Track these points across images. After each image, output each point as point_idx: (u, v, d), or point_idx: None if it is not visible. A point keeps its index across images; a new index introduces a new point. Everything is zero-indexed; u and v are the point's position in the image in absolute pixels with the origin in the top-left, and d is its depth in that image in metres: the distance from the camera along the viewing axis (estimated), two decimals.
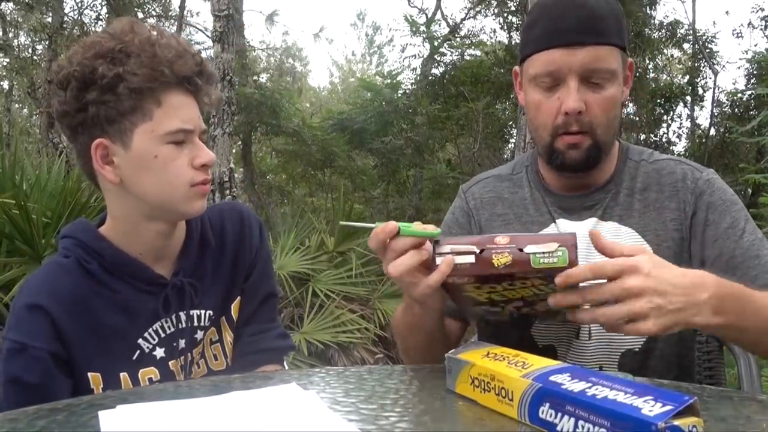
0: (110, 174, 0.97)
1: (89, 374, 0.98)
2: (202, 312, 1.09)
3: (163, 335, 1.05)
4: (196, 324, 1.08)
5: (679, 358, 1.10)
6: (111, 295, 1.01)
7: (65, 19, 10.08)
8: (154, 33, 0.97)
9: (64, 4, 10.23)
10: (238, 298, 1.15)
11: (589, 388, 0.62)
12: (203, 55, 1.05)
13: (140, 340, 1.03)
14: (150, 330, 1.04)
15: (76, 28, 10.53)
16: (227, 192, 4.52)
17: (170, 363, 1.05)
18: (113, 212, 1.03)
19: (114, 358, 1.01)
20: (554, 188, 1.15)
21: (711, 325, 0.80)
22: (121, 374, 1.02)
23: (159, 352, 1.05)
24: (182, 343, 1.07)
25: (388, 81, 8.04)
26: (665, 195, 1.08)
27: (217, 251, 1.12)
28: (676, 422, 0.55)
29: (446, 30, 10.08)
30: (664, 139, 11.85)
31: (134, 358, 1.03)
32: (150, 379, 1.03)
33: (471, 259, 0.79)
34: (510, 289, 0.83)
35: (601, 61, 1.00)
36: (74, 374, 0.98)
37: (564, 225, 1.12)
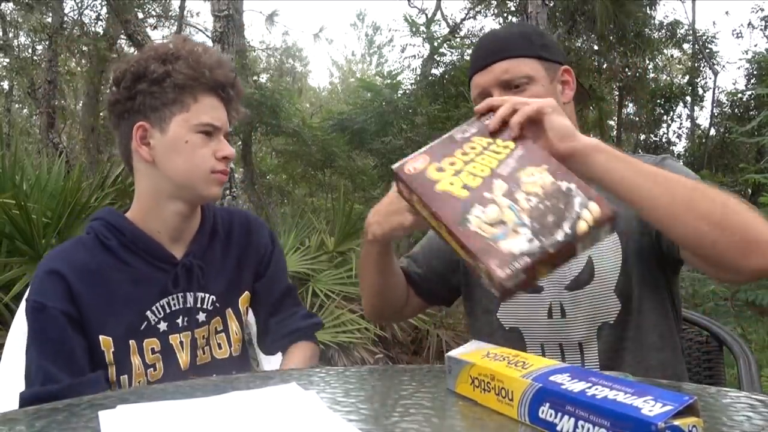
0: (145, 153, 1.12)
1: (101, 337, 1.09)
2: (207, 296, 1.19)
3: (168, 311, 1.15)
4: (199, 305, 1.18)
5: (657, 327, 1.12)
6: (126, 269, 1.12)
7: (65, 19, 10.09)
8: (200, 48, 1.16)
9: (64, 4, 10.24)
10: (246, 293, 1.26)
11: (589, 388, 0.62)
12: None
13: (148, 312, 1.13)
14: (157, 304, 1.14)
15: (76, 28, 10.54)
16: (227, 192, 4.52)
17: (170, 337, 1.15)
18: (140, 191, 1.17)
19: (124, 325, 1.11)
20: None
21: (567, 133, 0.91)
22: (130, 341, 1.11)
23: (162, 326, 1.14)
24: (184, 321, 1.16)
25: (388, 81, 8.03)
26: None
27: (225, 243, 1.25)
28: (676, 422, 0.55)
29: (446, 30, 10.09)
30: (663, 140, 11.86)
31: (141, 328, 1.12)
32: (152, 349, 1.13)
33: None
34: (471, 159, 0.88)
35: (510, 71, 1.14)
36: (87, 335, 1.08)
37: None
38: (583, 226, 0.77)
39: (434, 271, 1.29)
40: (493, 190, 0.83)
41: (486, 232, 0.78)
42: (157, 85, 1.10)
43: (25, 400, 1.04)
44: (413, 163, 0.89)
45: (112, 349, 1.10)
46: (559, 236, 0.76)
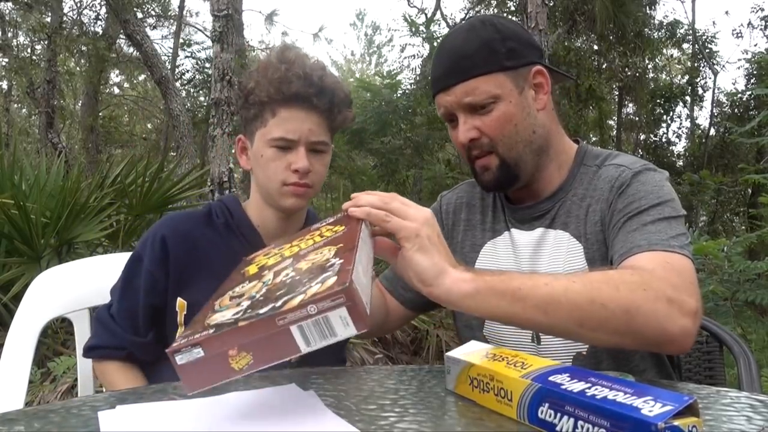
0: (244, 162, 1.25)
1: (179, 299, 1.16)
2: None
3: None
4: None
5: (633, 353, 1.08)
6: (222, 246, 1.20)
7: (64, 19, 10.08)
8: (290, 60, 1.17)
9: (63, 3, 10.22)
10: None
11: (589, 388, 0.62)
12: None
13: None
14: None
15: (75, 28, 10.53)
16: (226, 192, 4.52)
17: None
18: (251, 189, 1.28)
19: (202, 294, 1.11)
20: (512, 198, 1.19)
21: (426, 278, 0.83)
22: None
23: None
24: None
25: (388, 81, 8.03)
26: (595, 199, 1.08)
27: None
28: (676, 422, 0.55)
29: (446, 30, 10.08)
30: (663, 140, 11.87)
31: None
32: None
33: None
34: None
35: (472, 93, 1.07)
36: (168, 294, 1.17)
37: (516, 234, 1.15)
38: (294, 301, 0.61)
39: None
40: (275, 268, 0.78)
41: (222, 303, 0.73)
42: (246, 102, 1.19)
43: (102, 319, 1.19)
44: (259, 252, 0.95)
45: (185, 313, 1.16)
46: (263, 310, 0.63)
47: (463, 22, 1.18)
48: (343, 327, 0.61)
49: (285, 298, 0.63)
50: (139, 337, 1.18)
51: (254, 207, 1.25)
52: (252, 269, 0.84)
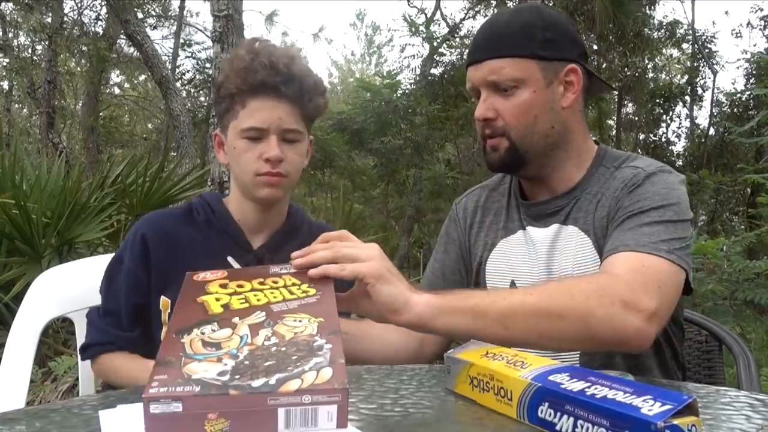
0: (222, 157, 1.25)
1: (162, 297, 1.17)
2: None
3: None
4: None
5: (633, 362, 1.07)
6: (204, 243, 1.21)
7: (65, 19, 10.08)
8: (257, 46, 1.17)
9: (64, 4, 10.23)
10: None
11: (588, 387, 0.62)
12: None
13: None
14: None
15: (76, 28, 10.53)
16: (227, 192, 4.52)
17: None
18: (232, 184, 1.28)
19: None
20: (527, 193, 1.19)
21: (395, 307, 0.83)
22: None
23: None
24: None
25: (387, 81, 8.02)
26: (606, 196, 1.08)
27: (300, 247, 1.20)
28: (676, 421, 0.55)
29: (445, 30, 10.07)
30: (663, 139, 11.86)
31: None
32: None
33: None
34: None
35: (497, 73, 1.07)
36: (150, 293, 1.18)
37: (532, 232, 1.15)
38: (292, 386, 0.60)
39: None
40: (246, 318, 0.73)
41: (191, 347, 0.67)
42: (218, 96, 1.19)
43: (92, 319, 1.22)
44: (207, 273, 0.85)
45: (169, 311, 1.16)
46: (256, 383, 0.61)
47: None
48: (326, 421, 0.61)
49: (278, 376, 0.62)
50: (125, 332, 1.18)
51: (234, 201, 1.25)
52: (213, 304, 0.76)
